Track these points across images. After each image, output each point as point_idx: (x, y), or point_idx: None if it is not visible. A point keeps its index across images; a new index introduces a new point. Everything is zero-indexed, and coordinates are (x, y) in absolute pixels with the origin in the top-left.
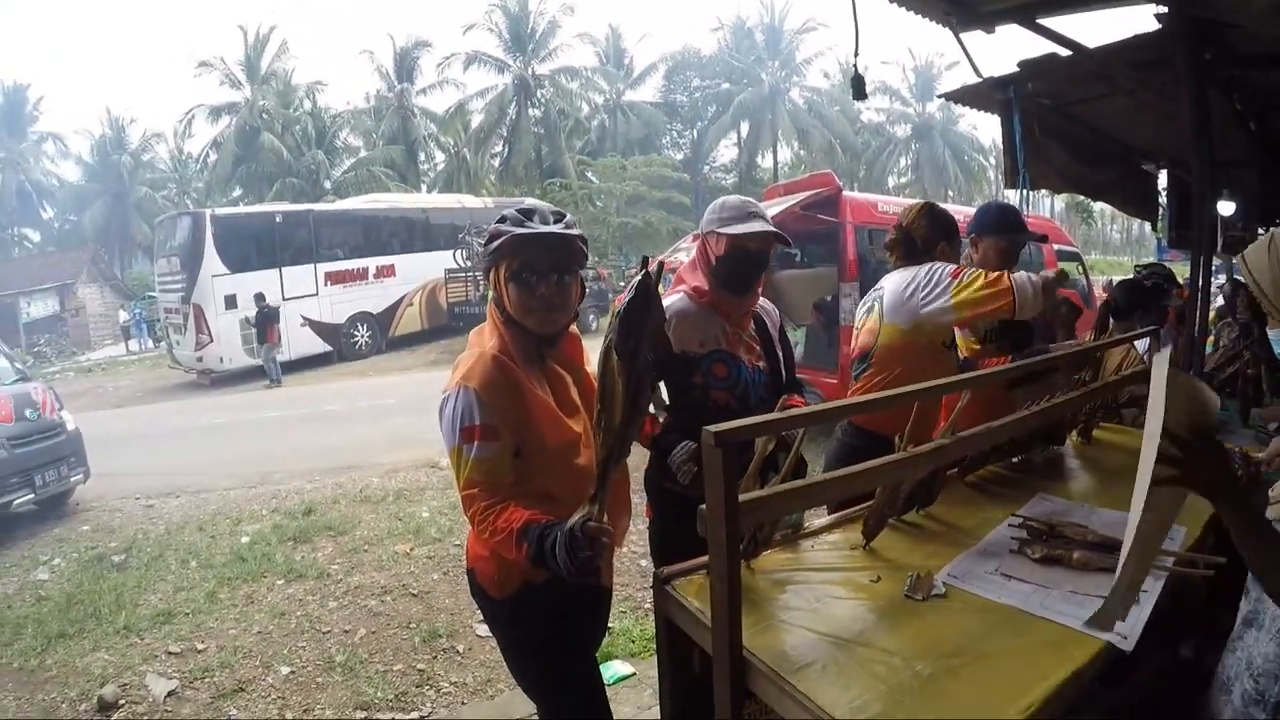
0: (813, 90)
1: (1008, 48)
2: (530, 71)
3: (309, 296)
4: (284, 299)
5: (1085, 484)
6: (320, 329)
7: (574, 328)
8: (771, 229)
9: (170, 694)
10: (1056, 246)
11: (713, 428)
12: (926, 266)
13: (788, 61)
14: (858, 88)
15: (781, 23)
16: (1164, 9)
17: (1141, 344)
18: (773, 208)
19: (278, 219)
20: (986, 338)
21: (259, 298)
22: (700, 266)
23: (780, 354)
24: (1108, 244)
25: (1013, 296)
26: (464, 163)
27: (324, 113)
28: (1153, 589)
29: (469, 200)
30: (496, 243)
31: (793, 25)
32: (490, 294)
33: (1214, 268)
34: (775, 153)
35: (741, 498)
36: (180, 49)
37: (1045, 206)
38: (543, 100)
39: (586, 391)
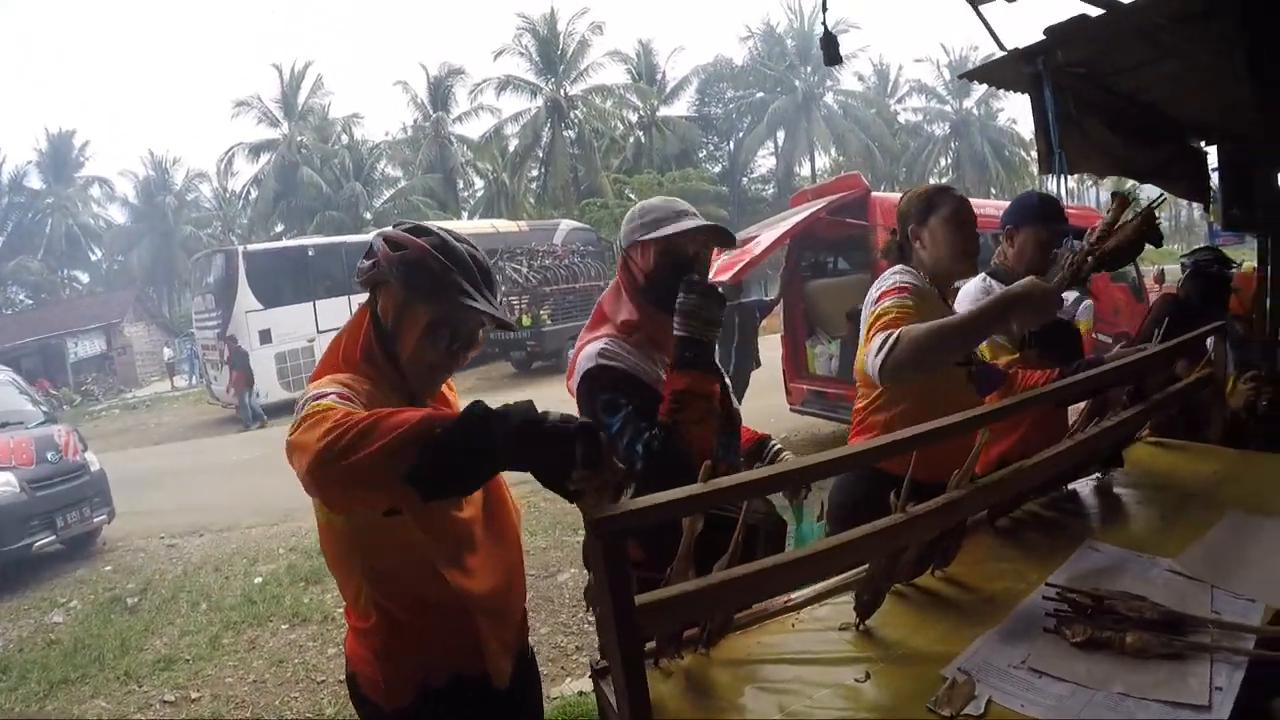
0: (847, 94)
1: (1039, 21)
2: (562, 93)
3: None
4: (319, 332)
5: (1143, 522)
6: None
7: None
8: (710, 223)
9: None
10: None
11: (595, 514)
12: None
13: (819, 66)
14: (829, 50)
15: (811, 27)
16: None
17: None
18: (799, 213)
19: (310, 252)
20: (1025, 343)
21: (231, 340)
22: (626, 291)
23: None
24: None
25: (883, 357)
26: (503, 188)
27: (361, 145)
28: (1228, 685)
29: (501, 224)
30: (436, 288)
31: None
32: (378, 315)
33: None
34: (813, 160)
35: (644, 599)
36: (218, 89)
37: (1090, 197)
38: (576, 120)
39: None
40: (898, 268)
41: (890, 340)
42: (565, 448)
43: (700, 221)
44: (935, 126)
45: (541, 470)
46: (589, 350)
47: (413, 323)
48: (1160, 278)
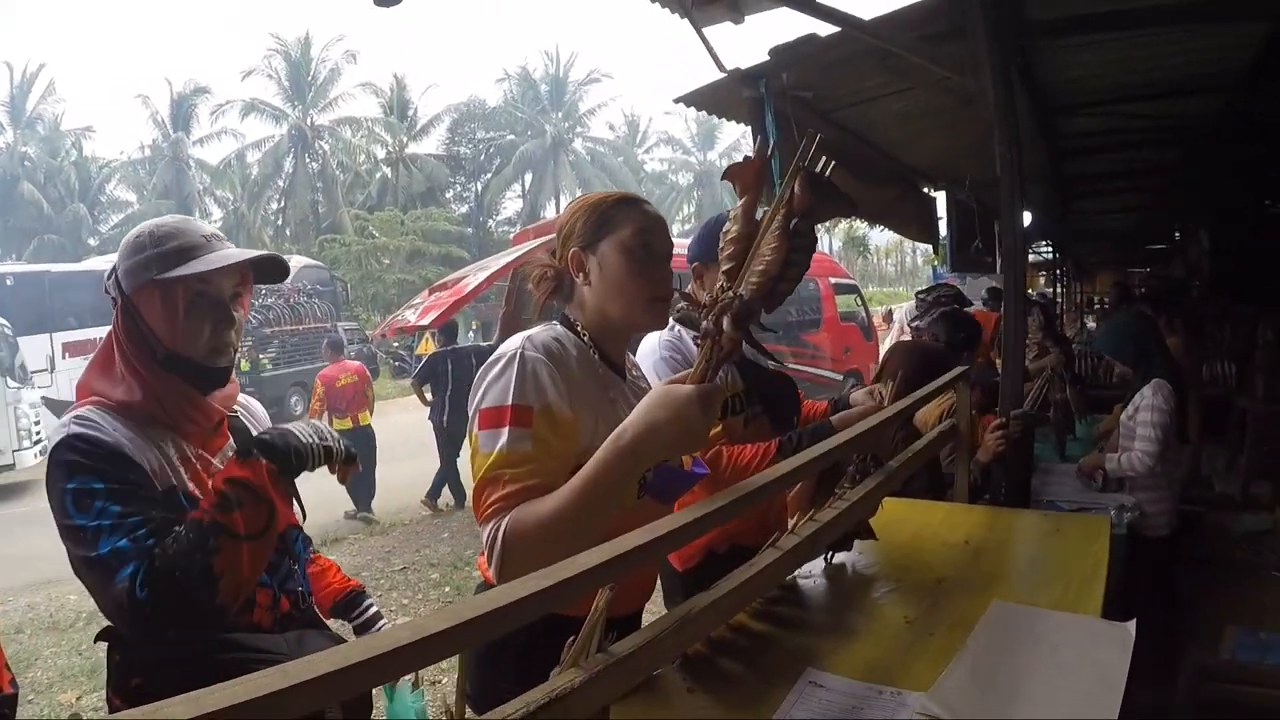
0: (595, 141)
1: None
2: (309, 121)
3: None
4: None
5: (885, 630)
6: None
7: None
8: (264, 253)
9: None
10: (834, 280)
11: None
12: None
13: (571, 113)
14: None
15: (566, 74)
16: None
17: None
18: (518, 251)
19: (8, 281)
20: (730, 409)
21: None
22: (126, 356)
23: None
24: (884, 277)
25: (497, 564)
26: (242, 219)
27: (91, 162)
28: None
29: None
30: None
31: (577, 77)
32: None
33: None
34: (558, 204)
35: None
36: None
37: (823, 243)
38: (321, 152)
39: None
40: (512, 349)
41: (498, 542)
42: None
43: (252, 252)
44: (680, 176)
45: None
46: (64, 419)
47: None
48: (889, 317)
